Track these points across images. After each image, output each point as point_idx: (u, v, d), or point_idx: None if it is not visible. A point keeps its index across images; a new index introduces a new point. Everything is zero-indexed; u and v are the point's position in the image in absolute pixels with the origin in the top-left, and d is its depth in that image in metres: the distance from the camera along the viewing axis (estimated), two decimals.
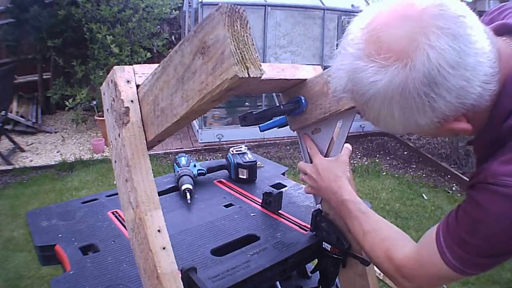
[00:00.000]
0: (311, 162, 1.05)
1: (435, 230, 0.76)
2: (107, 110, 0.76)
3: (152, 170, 0.73)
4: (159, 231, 0.71)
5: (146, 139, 0.72)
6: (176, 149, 4.61)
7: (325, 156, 1.05)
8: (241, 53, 0.51)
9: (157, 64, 0.67)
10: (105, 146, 4.61)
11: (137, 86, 0.74)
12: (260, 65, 0.52)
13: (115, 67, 0.72)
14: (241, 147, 1.65)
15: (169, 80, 0.63)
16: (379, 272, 2.28)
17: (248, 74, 0.51)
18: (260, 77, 0.52)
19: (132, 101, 0.72)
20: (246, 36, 0.52)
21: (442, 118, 0.63)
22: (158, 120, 0.67)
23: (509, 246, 0.67)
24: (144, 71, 0.73)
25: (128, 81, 0.72)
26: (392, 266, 0.84)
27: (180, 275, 0.87)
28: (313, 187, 1.05)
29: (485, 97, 0.63)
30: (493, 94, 0.64)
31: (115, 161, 0.75)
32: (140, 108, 0.72)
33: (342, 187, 0.97)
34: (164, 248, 0.71)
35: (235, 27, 0.52)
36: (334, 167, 1.00)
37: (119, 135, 0.72)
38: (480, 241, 0.68)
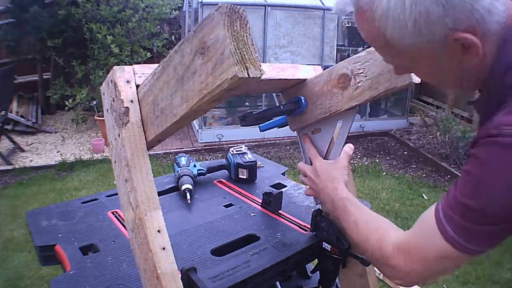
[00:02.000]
0: (311, 164, 1.05)
1: (433, 209, 0.72)
2: (107, 110, 0.76)
3: (152, 170, 0.73)
4: (159, 231, 0.71)
5: (146, 139, 0.72)
6: (176, 149, 4.61)
7: (325, 157, 1.05)
8: (240, 53, 0.51)
9: (157, 64, 0.67)
10: (105, 146, 4.60)
11: (137, 86, 0.74)
12: (260, 65, 0.52)
13: (114, 67, 0.72)
14: (241, 147, 1.65)
15: (168, 80, 0.63)
16: (379, 272, 2.29)
17: (248, 74, 0.51)
18: (260, 77, 0.52)
19: (131, 101, 0.72)
20: (246, 36, 0.52)
21: (454, 22, 0.60)
22: (158, 120, 0.67)
23: None
24: (144, 71, 0.73)
25: (127, 81, 0.72)
26: (385, 252, 0.79)
27: (180, 275, 0.87)
28: (312, 189, 1.05)
29: (494, 17, 0.61)
30: (500, 27, 0.63)
31: (115, 161, 0.75)
32: (140, 108, 0.72)
33: (338, 188, 0.96)
34: (164, 249, 0.71)
35: (235, 27, 0.52)
36: (332, 169, 1.00)
37: (119, 135, 0.72)
38: (482, 203, 0.62)
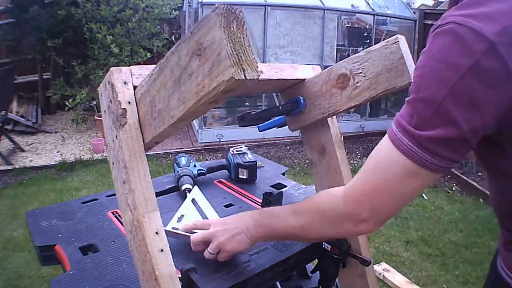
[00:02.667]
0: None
1: (382, 142, 0.69)
2: (105, 111, 0.75)
3: (152, 170, 0.73)
4: (157, 233, 0.71)
5: (143, 141, 0.72)
6: (176, 149, 4.61)
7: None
8: (237, 55, 0.51)
9: (155, 65, 0.66)
10: (105, 146, 4.61)
11: (135, 87, 0.73)
12: (257, 67, 0.52)
13: (112, 68, 0.71)
14: (241, 147, 1.65)
15: (166, 82, 0.63)
16: (379, 272, 2.28)
17: (245, 76, 0.51)
18: (257, 79, 0.52)
19: (129, 102, 0.72)
20: (243, 37, 0.52)
21: None
22: (155, 122, 0.67)
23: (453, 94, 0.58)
24: (141, 72, 0.73)
25: (125, 83, 0.72)
26: (340, 207, 0.72)
27: (180, 275, 0.87)
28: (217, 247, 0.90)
29: None
30: None
31: (113, 163, 0.75)
32: (137, 109, 0.72)
33: (238, 222, 0.88)
34: (162, 250, 0.70)
35: (232, 28, 0.51)
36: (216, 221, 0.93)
37: (116, 136, 0.72)
38: (424, 92, 0.62)
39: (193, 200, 1.27)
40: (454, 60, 0.59)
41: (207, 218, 1.15)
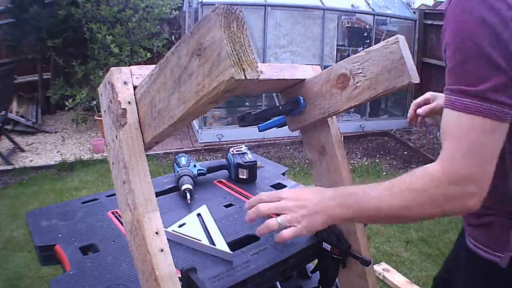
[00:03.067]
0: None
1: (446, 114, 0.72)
2: (104, 111, 0.75)
3: (152, 170, 0.73)
4: (157, 233, 0.71)
5: (143, 141, 0.72)
6: (176, 149, 4.61)
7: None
8: (237, 55, 0.51)
9: (154, 65, 0.66)
10: (105, 146, 4.61)
11: (134, 87, 0.73)
12: (257, 67, 0.52)
13: (112, 68, 0.71)
14: (241, 147, 1.65)
15: (166, 82, 0.63)
16: (379, 272, 2.27)
17: (245, 76, 0.51)
18: (257, 79, 0.52)
19: (129, 102, 0.72)
20: (243, 37, 0.52)
21: None
22: (155, 122, 0.67)
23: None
24: (141, 72, 0.73)
25: (125, 83, 0.72)
26: (444, 187, 0.71)
27: (180, 275, 0.87)
28: (296, 219, 0.82)
29: None
30: None
31: (113, 163, 0.75)
32: (137, 109, 0.72)
33: (331, 192, 0.84)
34: (162, 250, 0.70)
35: (232, 28, 0.51)
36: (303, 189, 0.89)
37: (116, 136, 0.72)
38: (465, 52, 0.68)
39: (198, 215, 1.27)
40: (484, 15, 0.66)
41: (209, 235, 1.15)
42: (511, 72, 0.67)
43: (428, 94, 1.23)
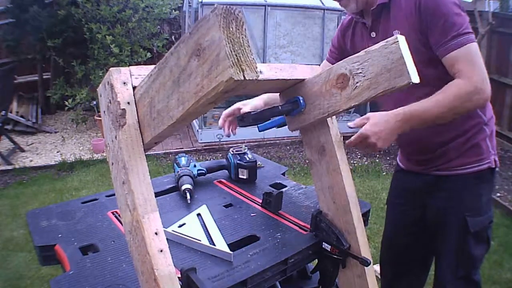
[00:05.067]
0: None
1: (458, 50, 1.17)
2: (104, 112, 0.75)
3: (152, 170, 0.74)
4: (156, 233, 0.71)
5: (143, 141, 0.72)
6: (176, 149, 4.61)
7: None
8: (236, 55, 0.51)
9: (154, 66, 0.66)
10: (105, 147, 4.60)
11: (134, 88, 0.73)
12: (256, 67, 0.52)
13: (111, 68, 0.71)
14: (241, 147, 1.65)
15: (165, 82, 0.63)
16: (379, 272, 2.29)
17: (244, 76, 0.50)
18: (256, 79, 0.52)
19: (128, 103, 0.72)
20: (242, 37, 0.52)
21: None
22: (155, 123, 0.67)
23: None
24: (140, 73, 0.73)
25: (124, 83, 0.72)
26: (472, 91, 1.14)
27: (180, 275, 0.87)
28: (378, 137, 1.12)
29: None
30: None
31: (112, 163, 0.75)
32: (136, 110, 0.72)
33: (397, 113, 1.13)
34: (161, 251, 0.70)
35: (231, 29, 0.51)
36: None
37: (115, 137, 0.72)
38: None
39: (198, 215, 1.27)
40: None
41: (209, 235, 1.16)
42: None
43: (238, 104, 1.41)
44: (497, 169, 1.38)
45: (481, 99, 1.16)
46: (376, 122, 1.11)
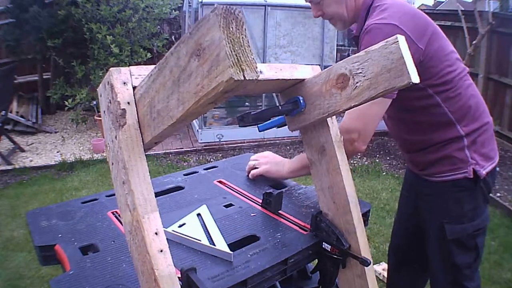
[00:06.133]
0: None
1: None
2: (104, 112, 0.75)
3: (152, 170, 0.74)
4: (156, 233, 0.71)
5: (143, 141, 0.72)
6: (176, 149, 4.61)
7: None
8: (236, 55, 0.51)
9: (154, 66, 0.66)
10: (105, 147, 4.60)
11: (134, 87, 0.73)
12: (256, 67, 0.52)
13: (111, 68, 0.71)
14: None
15: (165, 82, 0.63)
16: (379, 272, 2.27)
17: (244, 76, 0.50)
18: (256, 79, 0.52)
19: (128, 103, 0.71)
20: (242, 37, 0.52)
21: None
22: (155, 123, 0.67)
23: None
24: (140, 73, 0.73)
25: (124, 83, 0.72)
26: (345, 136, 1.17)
27: (180, 275, 0.87)
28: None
29: None
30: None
31: (112, 163, 0.75)
32: (136, 110, 0.72)
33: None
34: (161, 251, 0.70)
35: (231, 29, 0.51)
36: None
37: (115, 137, 0.72)
38: None
39: (198, 215, 1.27)
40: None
41: (209, 235, 1.16)
42: None
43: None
44: (484, 178, 1.35)
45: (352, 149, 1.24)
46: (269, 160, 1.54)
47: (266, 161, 1.53)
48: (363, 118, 1.20)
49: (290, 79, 0.98)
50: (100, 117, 4.74)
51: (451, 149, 1.33)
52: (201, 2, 4.31)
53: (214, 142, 4.80)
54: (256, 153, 1.72)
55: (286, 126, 1.11)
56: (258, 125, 1.07)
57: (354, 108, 1.00)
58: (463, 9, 4.88)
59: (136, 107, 0.73)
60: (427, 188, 1.42)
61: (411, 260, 1.64)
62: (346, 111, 1.05)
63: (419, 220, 1.51)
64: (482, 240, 1.40)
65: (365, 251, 1.09)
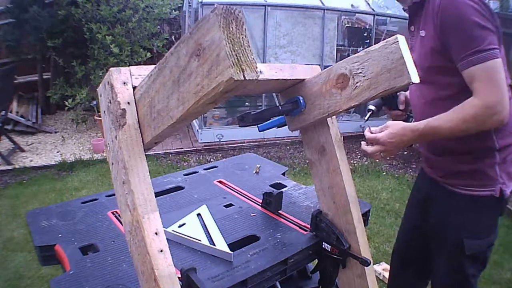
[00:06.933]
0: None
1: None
2: (104, 112, 0.75)
3: (152, 170, 0.73)
4: (156, 233, 0.71)
5: (143, 141, 0.72)
6: (176, 149, 4.61)
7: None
8: (236, 55, 0.51)
9: (154, 66, 0.66)
10: (105, 147, 4.60)
11: (134, 87, 0.73)
12: (256, 67, 0.52)
13: (111, 68, 0.71)
14: None
15: (165, 82, 0.63)
16: (379, 272, 2.27)
17: (244, 76, 0.50)
18: (256, 79, 0.52)
19: (128, 103, 0.72)
20: (242, 37, 0.52)
21: None
22: (155, 123, 0.67)
23: None
24: (140, 73, 0.73)
25: (124, 83, 0.72)
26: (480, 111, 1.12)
27: (180, 275, 0.87)
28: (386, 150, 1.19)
29: None
30: None
31: (112, 163, 0.75)
32: (136, 110, 0.72)
33: (414, 127, 1.17)
34: (161, 251, 0.70)
35: (231, 29, 0.51)
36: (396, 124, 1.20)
37: (115, 137, 0.72)
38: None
39: (198, 215, 1.27)
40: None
41: (209, 235, 1.16)
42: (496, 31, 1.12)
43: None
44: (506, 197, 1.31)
45: (497, 120, 1.13)
46: (394, 134, 1.16)
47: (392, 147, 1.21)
48: (494, 87, 1.11)
49: (290, 79, 0.98)
50: (100, 117, 4.73)
51: (483, 164, 1.27)
52: (201, 2, 4.31)
53: (214, 142, 4.79)
54: (256, 153, 1.70)
55: (286, 126, 1.11)
56: (258, 125, 1.07)
57: (478, 84, 1.09)
58: None
59: (136, 107, 0.73)
60: (446, 198, 1.35)
61: (414, 262, 1.61)
62: (473, 89, 1.11)
63: (428, 226, 1.45)
64: (490, 253, 1.38)
65: (365, 251, 1.09)
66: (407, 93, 1.48)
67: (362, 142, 1.23)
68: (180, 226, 1.19)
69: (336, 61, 4.60)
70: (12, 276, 2.50)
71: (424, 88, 1.30)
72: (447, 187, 1.34)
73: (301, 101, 1.02)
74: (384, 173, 4.16)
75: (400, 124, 1.18)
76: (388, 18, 5.46)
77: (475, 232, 1.31)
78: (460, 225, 1.32)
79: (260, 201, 1.40)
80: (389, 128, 1.17)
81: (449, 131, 1.15)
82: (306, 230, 1.23)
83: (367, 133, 1.21)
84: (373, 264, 1.13)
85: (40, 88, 5.62)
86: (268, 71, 0.91)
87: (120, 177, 0.72)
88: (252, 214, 1.34)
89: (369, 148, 1.19)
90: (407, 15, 1.35)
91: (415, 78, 0.85)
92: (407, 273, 1.64)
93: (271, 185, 1.56)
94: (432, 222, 1.42)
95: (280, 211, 1.35)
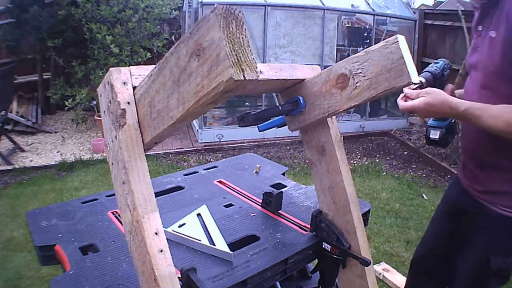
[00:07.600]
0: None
1: None
2: (104, 112, 0.75)
3: (152, 170, 0.73)
4: (156, 233, 0.71)
5: (143, 141, 0.72)
6: (176, 149, 4.61)
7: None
8: (236, 55, 0.51)
9: (154, 66, 0.66)
10: (105, 147, 4.60)
11: (134, 87, 0.73)
12: (256, 67, 0.52)
13: (111, 68, 0.71)
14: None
15: (165, 82, 0.63)
16: (379, 272, 2.27)
17: (244, 76, 0.50)
18: (256, 79, 0.52)
19: (128, 103, 0.72)
20: (242, 37, 0.52)
21: None
22: (155, 123, 0.67)
23: None
24: (140, 73, 0.73)
25: (124, 83, 0.72)
26: None
27: (180, 275, 0.87)
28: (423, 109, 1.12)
29: None
30: None
31: (112, 163, 0.75)
32: (136, 110, 0.72)
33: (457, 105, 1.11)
34: (161, 251, 0.70)
35: (231, 29, 0.51)
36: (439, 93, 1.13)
37: (115, 137, 0.72)
38: None
39: (198, 215, 1.27)
40: None
41: (209, 235, 1.16)
42: None
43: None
44: None
45: None
46: (431, 105, 1.10)
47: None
48: None
49: (290, 79, 0.98)
50: (100, 117, 4.73)
51: None
52: (201, 2, 4.31)
53: (214, 142, 4.79)
54: (256, 153, 1.70)
55: (286, 126, 1.11)
56: (258, 125, 1.07)
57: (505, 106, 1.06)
58: (463, 9, 4.87)
59: (136, 107, 0.73)
60: (481, 215, 1.28)
61: (437, 271, 1.54)
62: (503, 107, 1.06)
63: (455, 238, 1.41)
64: None
65: (365, 251, 1.09)
66: (459, 91, 1.38)
67: (401, 95, 1.15)
68: (180, 226, 1.19)
69: (336, 61, 4.59)
70: (12, 276, 2.50)
71: (483, 94, 1.20)
72: (485, 204, 1.27)
73: (301, 101, 1.02)
74: (384, 173, 4.16)
75: (441, 95, 1.11)
76: (388, 18, 5.46)
77: (504, 250, 1.27)
78: (490, 243, 1.28)
79: (260, 201, 1.40)
80: (428, 96, 1.10)
81: (488, 126, 1.09)
82: (306, 230, 1.23)
83: (406, 89, 1.14)
84: (373, 264, 1.13)
85: (40, 88, 5.62)
86: (268, 71, 0.91)
87: (120, 177, 0.72)
88: (252, 214, 1.34)
89: (403, 104, 1.13)
90: (476, 13, 1.26)
91: (415, 78, 0.85)
92: (429, 281, 1.57)
93: (271, 185, 1.56)
94: (460, 234, 1.38)
95: (280, 211, 1.35)
